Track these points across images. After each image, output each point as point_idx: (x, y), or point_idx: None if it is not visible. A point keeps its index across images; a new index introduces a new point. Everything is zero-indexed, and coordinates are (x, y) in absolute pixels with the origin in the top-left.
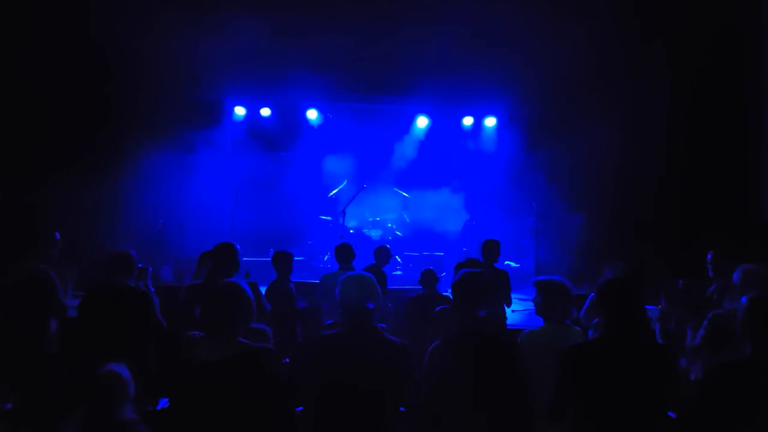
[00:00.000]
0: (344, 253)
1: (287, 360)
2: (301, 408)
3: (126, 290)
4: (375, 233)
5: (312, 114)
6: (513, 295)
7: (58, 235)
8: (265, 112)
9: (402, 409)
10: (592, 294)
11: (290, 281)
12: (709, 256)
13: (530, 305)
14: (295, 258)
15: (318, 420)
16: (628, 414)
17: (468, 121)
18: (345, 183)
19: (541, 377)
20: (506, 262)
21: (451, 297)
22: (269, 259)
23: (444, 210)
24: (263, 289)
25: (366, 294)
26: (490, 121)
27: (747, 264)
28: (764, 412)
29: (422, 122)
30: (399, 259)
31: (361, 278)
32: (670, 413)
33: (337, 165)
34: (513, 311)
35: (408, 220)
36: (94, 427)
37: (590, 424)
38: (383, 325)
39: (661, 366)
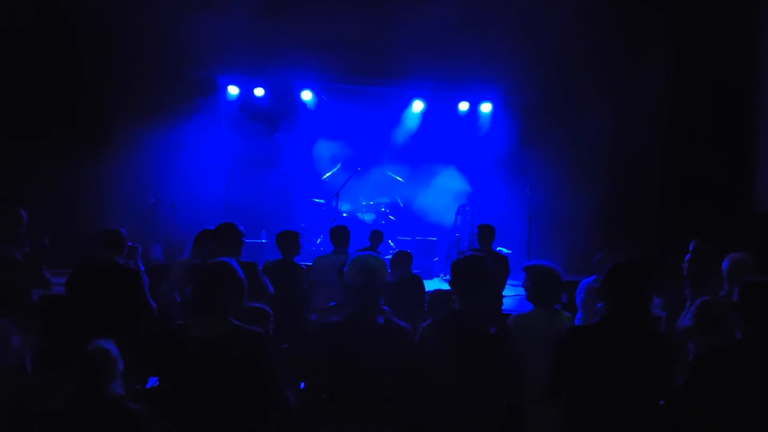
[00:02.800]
0: (339, 235)
1: (285, 346)
2: (303, 385)
3: (115, 267)
4: (368, 217)
5: (306, 95)
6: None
7: (23, 212)
8: (259, 92)
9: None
10: (585, 280)
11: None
12: (691, 245)
13: (521, 291)
14: None
15: (327, 404)
16: (621, 399)
17: (464, 106)
18: (339, 166)
19: (528, 361)
20: (498, 249)
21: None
22: (262, 240)
23: (437, 195)
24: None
25: (374, 276)
26: (486, 107)
27: (735, 252)
28: (756, 397)
29: (417, 107)
30: (392, 244)
31: (369, 260)
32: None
33: (331, 148)
34: (504, 296)
35: (401, 205)
36: (81, 403)
37: (582, 407)
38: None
39: (659, 355)
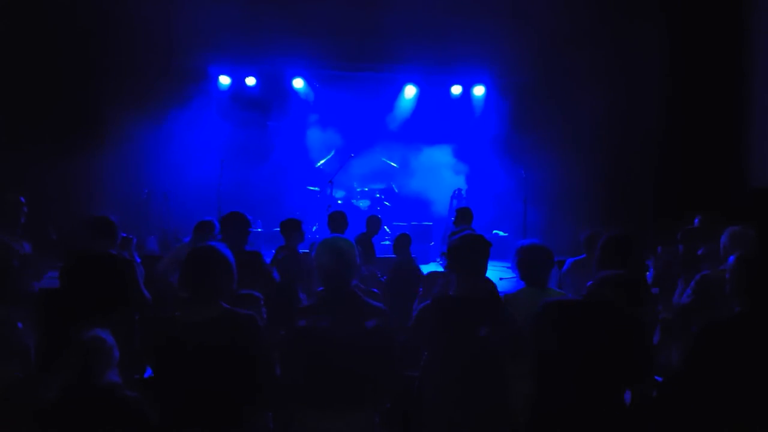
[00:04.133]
0: (337, 221)
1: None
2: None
3: (108, 257)
4: (363, 203)
5: (298, 83)
6: (501, 264)
7: (23, 199)
8: (251, 81)
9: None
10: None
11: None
12: (696, 220)
13: (515, 274)
14: None
15: (304, 386)
16: (594, 373)
17: (456, 90)
18: (333, 153)
19: None
20: (494, 231)
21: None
22: (257, 229)
23: (432, 180)
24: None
25: (342, 257)
26: (479, 90)
27: (733, 226)
28: (754, 369)
29: (410, 91)
30: (387, 229)
31: (336, 241)
32: (657, 377)
33: (324, 135)
34: (501, 279)
35: (396, 191)
36: (77, 391)
37: (553, 380)
38: (376, 290)
39: (633, 331)
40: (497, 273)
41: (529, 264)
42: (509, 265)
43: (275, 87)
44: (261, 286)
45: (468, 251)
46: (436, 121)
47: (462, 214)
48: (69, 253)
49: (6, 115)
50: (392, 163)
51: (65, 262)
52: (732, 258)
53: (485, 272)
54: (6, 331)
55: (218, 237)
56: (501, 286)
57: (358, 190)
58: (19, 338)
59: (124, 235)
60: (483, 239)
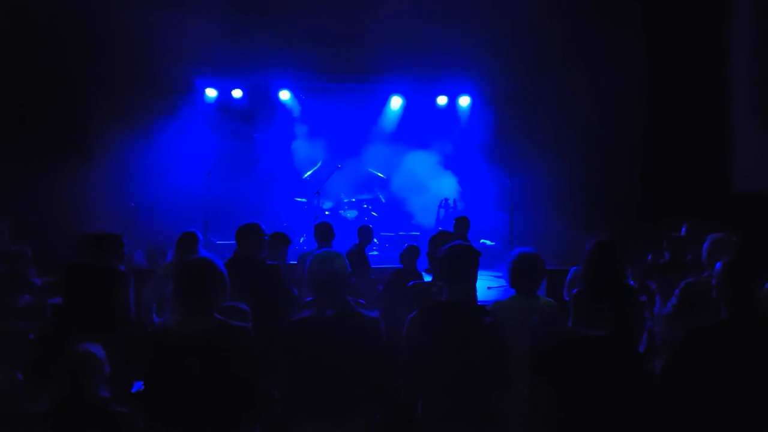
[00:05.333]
0: (324, 232)
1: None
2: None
3: (116, 272)
4: (351, 214)
5: (284, 95)
6: (489, 273)
7: (3, 225)
8: (237, 93)
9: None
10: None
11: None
12: (683, 229)
13: (504, 282)
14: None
15: (293, 399)
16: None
17: (442, 100)
18: (320, 164)
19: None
20: (482, 241)
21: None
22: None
23: (419, 189)
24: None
25: (335, 270)
26: (464, 100)
27: (716, 233)
28: (740, 374)
29: (396, 102)
30: (375, 240)
31: (328, 255)
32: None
33: (311, 146)
34: (489, 288)
35: (384, 201)
36: (67, 406)
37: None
38: (362, 301)
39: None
40: (485, 282)
41: (519, 271)
42: (498, 273)
43: (261, 99)
44: (277, 297)
45: (456, 261)
46: (422, 131)
47: (458, 223)
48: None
49: None
50: (379, 174)
51: (67, 275)
52: (718, 264)
53: (475, 282)
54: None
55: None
56: (489, 295)
57: (346, 200)
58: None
59: None
60: (472, 248)
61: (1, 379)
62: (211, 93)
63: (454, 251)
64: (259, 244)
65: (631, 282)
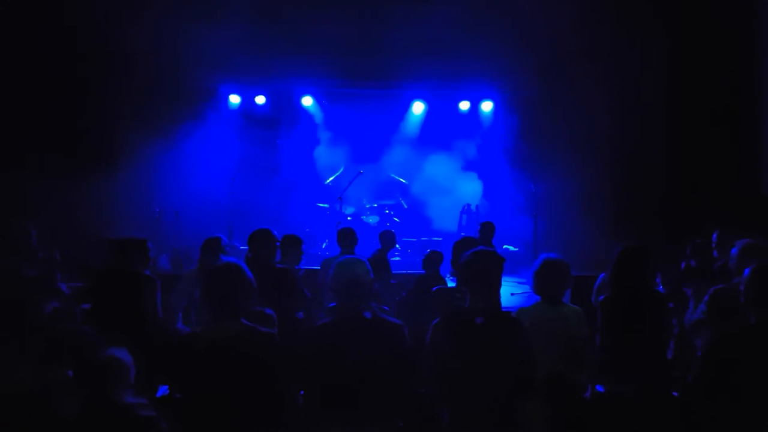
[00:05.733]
0: (346, 237)
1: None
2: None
3: (143, 276)
4: (373, 219)
5: (307, 101)
6: (512, 278)
7: (31, 226)
8: (260, 100)
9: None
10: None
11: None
12: (714, 235)
13: (528, 289)
14: None
15: (315, 405)
16: None
17: (465, 105)
18: (342, 170)
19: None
20: (504, 246)
21: (449, 277)
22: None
23: (441, 195)
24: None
25: (358, 276)
26: (487, 106)
27: (746, 239)
28: None
29: (418, 108)
30: (397, 245)
31: (351, 261)
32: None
33: (333, 151)
34: (512, 294)
35: (406, 206)
36: (94, 411)
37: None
38: (386, 308)
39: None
40: (508, 288)
41: (544, 278)
42: (522, 279)
43: (284, 105)
44: (290, 300)
45: (480, 267)
46: (444, 136)
47: (484, 229)
48: (94, 272)
49: (20, 137)
50: (401, 179)
51: (97, 280)
52: (747, 270)
53: (499, 288)
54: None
55: (228, 251)
56: (513, 301)
57: (368, 206)
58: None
59: None
60: (495, 255)
61: (52, 378)
62: (234, 99)
63: (477, 257)
64: (270, 248)
65: (661, 288)
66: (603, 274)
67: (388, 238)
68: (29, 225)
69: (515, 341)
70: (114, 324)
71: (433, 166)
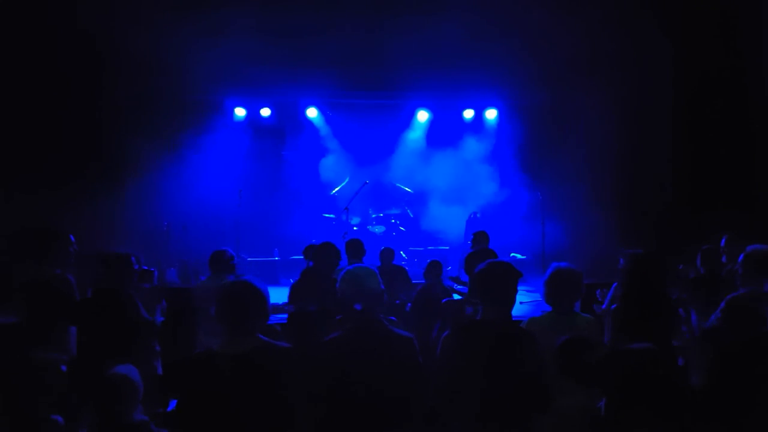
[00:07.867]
0: (354, 248)
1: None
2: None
3: (111, 293)
4: (378, 229)
5: (312, 112)
6: (520, 287)
7: (72, 237)
8: (265, 112)
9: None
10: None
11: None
12: (723, 241)
13: (537, 297)
14: (298, 257)
15: (329, 419)
16: None
17: (469, 113)
18: (347, 180)
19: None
20: (512, 254)
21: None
22: (275, 258)
23: (447, 204)
24: None
25: (365, 286)
26: (491, 113)
27: (754, 245)
28: None
29: (423, 116)
30: (404, 255)
31: (359, 271)
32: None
33: (338, 162)
34: (521, 303)
35: (411, 215)
36: (104, 430)
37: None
38: (393, 318)
39: None
40: (517, 296)
41: (556, 288)
42: (530, 288)
43: (289, 117)
44: None
45: (494, 279)
46: (449, 145)
47: (477, 238)
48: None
49: (25, 151)
50: (406, 188)
51: (82, 299)
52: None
53: (513, 302)
54: (50, 374)
55: (235, 264)
56: (521, 310)
57: (373, 216)
58: (62, 381)
59: (145, 267)
60: (512, 268)
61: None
62: (240, 112)
63: (491, 269)
64: (332, 263)
65: (673, 295)
66: (616, 283)
67: (387, 255)
68: (69, 235)
69: (529, 355)
70: (105, 344)
71: (438, 175)
